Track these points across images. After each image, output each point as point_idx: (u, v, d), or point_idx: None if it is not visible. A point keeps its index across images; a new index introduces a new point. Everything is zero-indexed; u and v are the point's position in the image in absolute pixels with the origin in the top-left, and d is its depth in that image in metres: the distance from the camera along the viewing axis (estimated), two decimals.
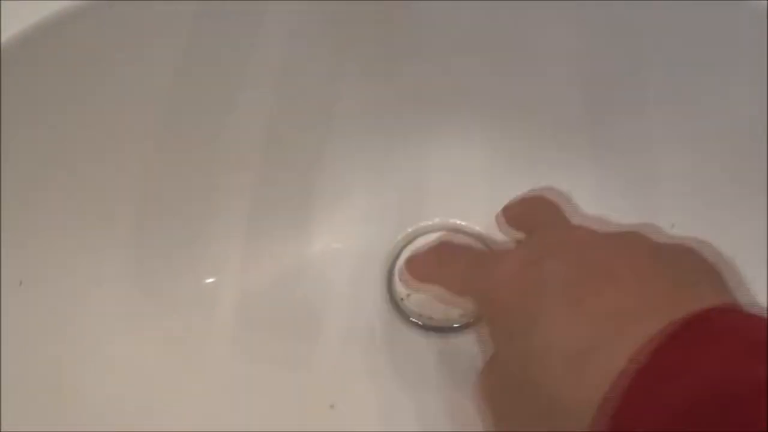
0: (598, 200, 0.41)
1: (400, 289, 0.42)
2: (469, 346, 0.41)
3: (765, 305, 0.34)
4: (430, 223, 0.44)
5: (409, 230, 0.44)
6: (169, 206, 0.42)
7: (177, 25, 0.38)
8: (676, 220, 0.39)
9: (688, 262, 0.30)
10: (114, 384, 0.38)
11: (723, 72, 0.37)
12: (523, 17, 0.40)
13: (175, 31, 0.38)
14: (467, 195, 0.44)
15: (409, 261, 0.39)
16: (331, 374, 0.40)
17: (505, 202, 0.42)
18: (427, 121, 0.44)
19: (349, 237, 0.44)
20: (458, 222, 0.44)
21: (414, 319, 0.42)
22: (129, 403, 0.38)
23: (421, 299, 0.42)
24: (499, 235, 0.43)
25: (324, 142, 0.44)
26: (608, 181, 0.42)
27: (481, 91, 0.43)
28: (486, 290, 0.31)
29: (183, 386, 0.39)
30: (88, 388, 0.38)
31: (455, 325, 0.41)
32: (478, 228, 0.44)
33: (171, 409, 0.38)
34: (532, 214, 0.38)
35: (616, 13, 0.38)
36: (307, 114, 0.43)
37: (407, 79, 0.43)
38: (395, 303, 0.42)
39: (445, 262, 0.37)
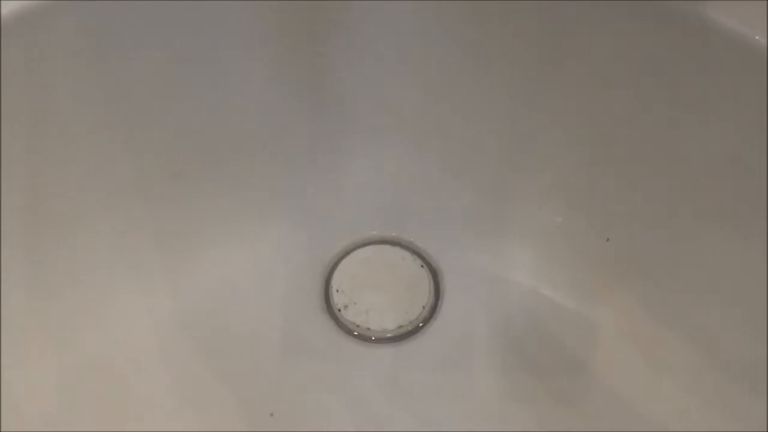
0: (526, 209, 0.43)
1: (338, 300, 0.43)
2: (406, 356, 0.42)
3: None
4: (366, 235, 0.45)
5: (346, 242, 0.45)
6: (102, 225, 0.41)
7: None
8: (610, 235, 0.41)
9: None
10: (47, 402, 0.38)
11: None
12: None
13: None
14: (403, 209, 0.45)
15: None
16: (270, 384, 0.40)
17: (438, 216, 0.44)
18: (362, 139, 0.45)
19: (286, 249, 0.44)
20: (394, 235, 0.45)
21: (351, 330, 0.42)
22: (67, 421, 0.38)
23: (358, 310, 0.43)
24: (433, 249, 0.45)
25: (260, 157, 0.44)
26: (530, 185, 0.43)
27: (418, 118, 0.44)
28: None
29: (125, 400, 0.39)
30: (20, 405, 0.37)
31: (389, 335, 0.42)
32: (413, 241, 0.45)
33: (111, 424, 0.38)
34: None
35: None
36: (253, 131, 0.43)
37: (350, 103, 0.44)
38: (333, 314, 0.43)
39: None
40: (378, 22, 0.40)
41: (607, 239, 0.41)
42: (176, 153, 0.41)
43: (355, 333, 0.42)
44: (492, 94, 0.42)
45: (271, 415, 0.38)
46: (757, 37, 0.33)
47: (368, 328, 0.42)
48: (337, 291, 0.43)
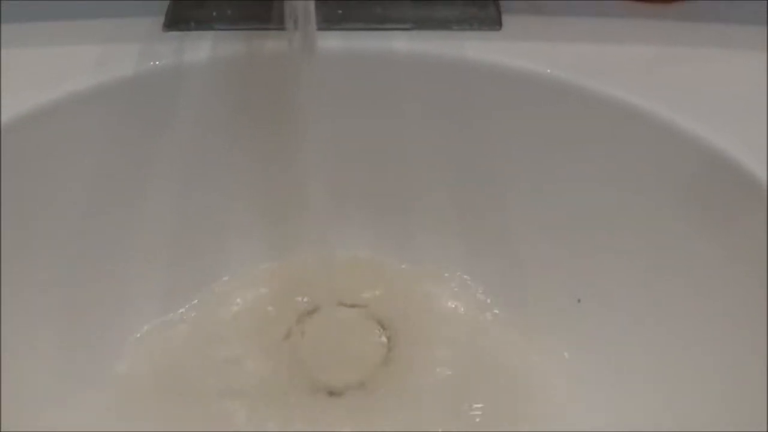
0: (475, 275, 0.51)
1: (305, 353, 0.48)
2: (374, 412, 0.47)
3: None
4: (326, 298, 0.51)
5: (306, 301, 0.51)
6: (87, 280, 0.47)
7: None
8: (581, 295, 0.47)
9: None
10: None
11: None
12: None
13: None
14: (358, 276, 0.52)
15: None
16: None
17: (390, 283, 0.51)
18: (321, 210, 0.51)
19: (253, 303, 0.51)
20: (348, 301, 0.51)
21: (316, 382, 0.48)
22: None
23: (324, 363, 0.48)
24: (385, 312, 0.51)
25: (225, 225, 0.51)
26: (479, 256, 0.51)
27: (372, 191, 0.51)
28: None
29: None
30: None
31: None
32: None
33: None
34: None
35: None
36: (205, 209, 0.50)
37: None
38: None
39: None
40: None
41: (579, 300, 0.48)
42: None
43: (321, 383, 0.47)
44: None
45: None
46: None
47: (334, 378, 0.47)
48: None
